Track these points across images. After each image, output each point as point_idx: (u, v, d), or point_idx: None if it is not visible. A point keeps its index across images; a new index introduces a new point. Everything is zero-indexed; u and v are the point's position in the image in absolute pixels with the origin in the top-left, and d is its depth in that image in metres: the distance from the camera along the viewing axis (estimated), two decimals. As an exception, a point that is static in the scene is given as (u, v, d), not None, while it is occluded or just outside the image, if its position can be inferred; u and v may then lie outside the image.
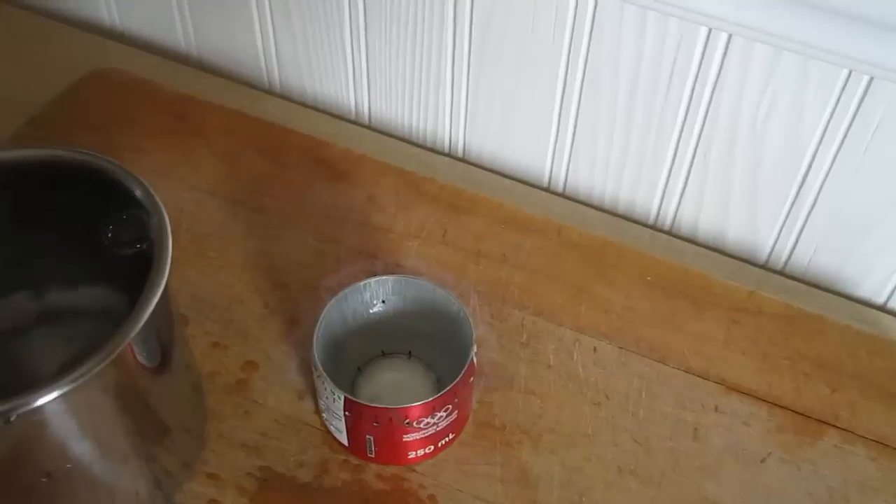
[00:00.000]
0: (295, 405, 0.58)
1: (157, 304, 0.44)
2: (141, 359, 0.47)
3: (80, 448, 0.46)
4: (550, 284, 0.65)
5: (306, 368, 0.59)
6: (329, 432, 0.56)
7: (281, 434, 0.57)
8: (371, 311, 0.57)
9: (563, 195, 0.75)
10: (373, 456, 0.55)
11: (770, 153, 0.64)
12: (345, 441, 0.55)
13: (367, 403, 0.51)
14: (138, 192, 0.48)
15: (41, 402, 0.41)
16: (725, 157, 0.66)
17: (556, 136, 0.70)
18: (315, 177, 0.70)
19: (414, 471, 0.55)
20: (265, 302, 0.63)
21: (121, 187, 0.48)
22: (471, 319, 0.54)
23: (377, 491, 0.55)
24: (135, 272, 0.46)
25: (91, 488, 0.49)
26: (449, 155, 0.77)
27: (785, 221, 0.68)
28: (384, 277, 0.56)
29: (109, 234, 0.49)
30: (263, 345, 0.61)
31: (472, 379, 0.54)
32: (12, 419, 0.41)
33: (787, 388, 0.60)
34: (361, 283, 0.56)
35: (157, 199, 0.47)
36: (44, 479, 0.46)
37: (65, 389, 0.41)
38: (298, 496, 0.54)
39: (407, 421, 0.51)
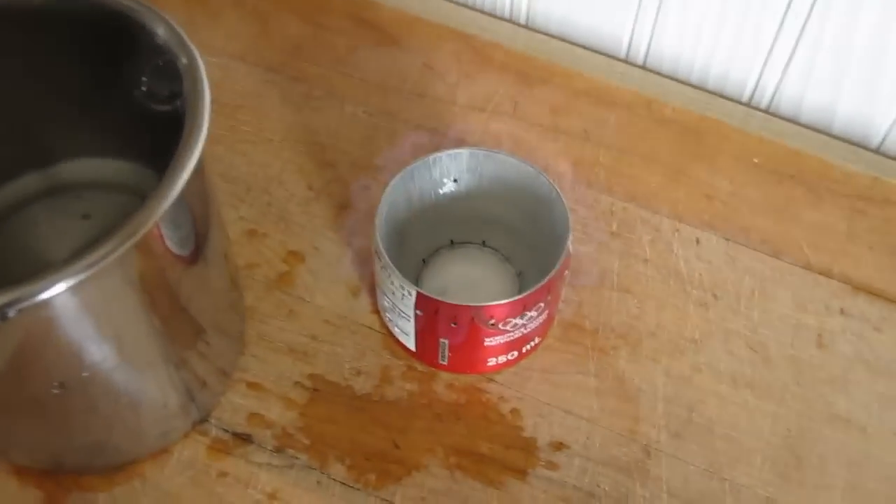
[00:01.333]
0: (349, 303, 0.49)
1: (193, 173, 0.35)
2: (170, 244, 0.37)
3: (98, 352, 0.37)
4: (642, 165, 0.55)
5: (360, 260, 0.50)
6: (391, 335, 0.47)
7: (333, 337, 0.48)
8: (440, 192, 0.48)
9: (643, 67, 0.64)
10: (445, 363, 0.46)
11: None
12: (411, 346, 0.46)
13: (446, 300, 0.42)
14: (161, 32, 0.38)
15: (49, 293, 0.32)
16: (847, 19, 0.55)
17: (643, -6, 0.60)
18: (362, 40, 0.60)
19: (493, 381, 0.47)
20: (309, 183, 0.53)
21: (142, 28, 0.38)
22: (565, 201, 0.45)
23: (449, 403, 0.46)
24: (162, 143, 0.37)
25: (111, 400, 0.40)
26: (511, 21, 0.66)
27: (908, 97, 0.58)
28: (457, 151, 0.47)
29: (143, 87, 0.39)
30: (308, 232, 0.51)
31: (566, 272, 0.45)
32: (10, 315, 0.32)
33: (923, 287, 0.51)
34: (430, 158, 0.46)
35: (186, 38, 0.37)
36: (55, 391, 0.37)
37: (78, 278, 0.32)
38: (355, 409, 0.46)
39: (492, 322, 0.43)
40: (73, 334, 0.35)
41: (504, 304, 0.42)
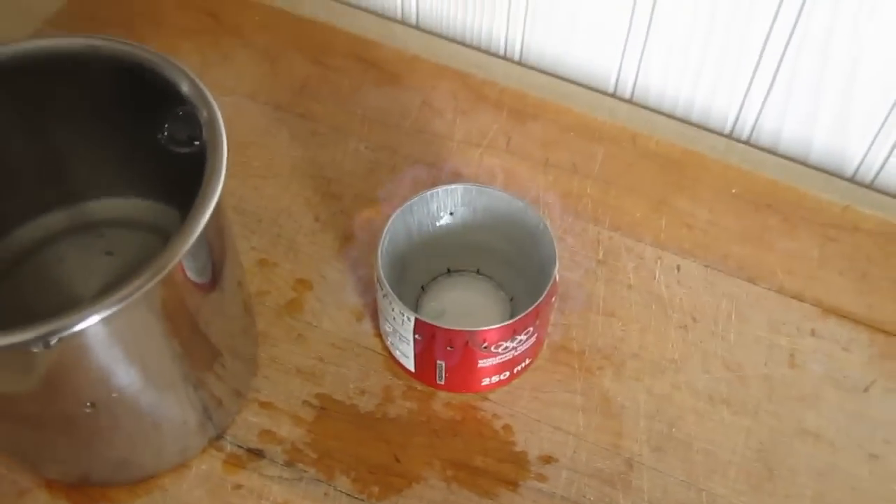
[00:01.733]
0: (353, 328, 0.53)
1: (212, 213, 0.39)
2: (191, 275, 0.41)
3: (126, 375, 0.41)
4: (627, 197, 0.59)
5: (363, 288, 0.54)
6: (393, 357, 0.51)
7: (339, 359, 0.52)
8: (438, 224, 0.52)
9: (630, 101, 0.68)
10: (442, 383, 0.50)
11: (869, 52, 0.57)
12: (411, 367, 0.50)
13: (442, 326, 0.46)
14: (185, 87, 0.42)
15: (84, 325, 0.36)
16: (819, 57, 0.59)
17: (628, 33, 0.64)
18: (364, 80, 0.64)
19: (487, 399, 0.51)
20: (316, 215, 0.57)
21: (166, 82, 0.42)
22: (552, 232, 0.49)
23: (447, 420, 0.50)
24: (178, 182, 0.41)
25: (137, 418, 0.44)
26: (505, 58, 0.70)
27: (880, 130, 0.62)
28: (453, 186, 0.51)
29: (165, 133, 0.43)
30: (316, 262, 0.55)
31: (554, 298, 0.49)
32: (52, 343, 0.35)
33: (889, 310, 0.55)
34: (428, 193, 0.50)
35: (207, 92, 0.41)
36: (87, 409, 0.41)
37: (110, 311, 0.36)
38: (360, 426, 0.50)
39: (485, 345, 0.46)
40: (103, 360, 0.39)
41: (496, 328, 0.46)
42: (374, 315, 0.53)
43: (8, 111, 0.43)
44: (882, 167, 0.64)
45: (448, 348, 0.47)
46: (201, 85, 0.41)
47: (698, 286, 0.55)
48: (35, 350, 0.35)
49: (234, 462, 0.48)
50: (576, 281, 0.55)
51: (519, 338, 0.47)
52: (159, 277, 0.37)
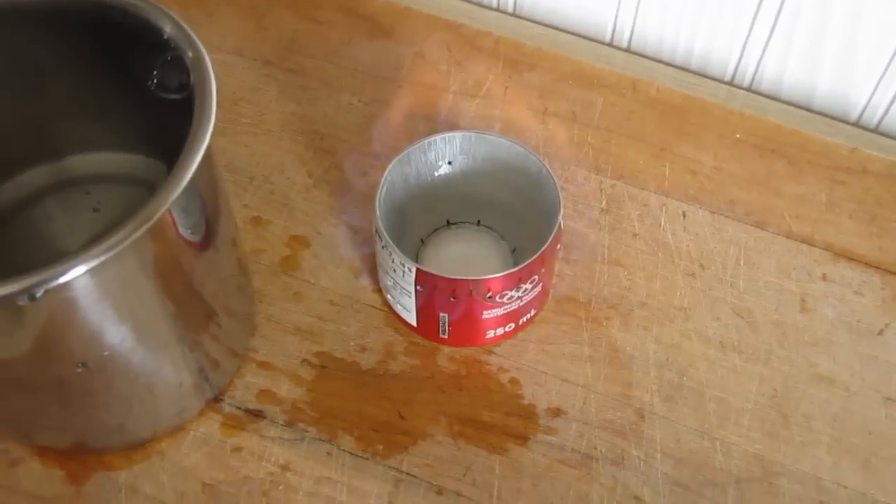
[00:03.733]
0: (351, 284, 0.51)
1: (203, 160, 0.37)
2: (182, 230, 0.39)
3: (118, 332, 0.39)
4: (629, 145, 0.57)
5: (360, 243, 0.53)
6: (394, 312, 0.49)
7: (338, 316, 0.50)
8: (436, 174, 0.50)
9: (628, 50, 0.66)
10: (445, 337, 0.48)
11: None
12: (413, 321, 0.48)
13: (444, 275, 0.44)
14: (169, 29, 0.40)
15: (71, 276, 0.34)
16: (821, 1, 0.57)
17: (625, -21, 0.62)
18: (355, 33, 0.62)
19: (492, 353, 0.49)
20: (309, 171, 0.55)
21: (149, 25, 0.40)
22: (555, 178, 0.47)
23: (451, 375, 0.48)
24: (166, 135, 0.39)
25: (130, 380, 0.42)
26: (498, 9, 0.68)
27: (884, 73, 0.60)
28: (451, 134, 0.49)
29: (154, 81, 0.41)
30: (311, 218, 0.54)
31: (559, 246, 0.47)
32: (38, 295, 0.34)
33: (901, 252, 0.54)
34: (425, 142, 0.49)
35: (192, 33, 0.39)
36: (79, 370, 0.39)
37: (97, 261, 0.34)
38: (362, 384, 0.48)
39: (489, 294, 0.45)
40: (94, 316, 0.37)
41: (500, 276, 0.44)
42: (373, 270, 0.51)
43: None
44: (887, 111, 0.62)
45: (451, 299, 0.45)
46: (185, 25, 0.39)
47: (705, 233, 0.54)
48: (21, 303, 0.33)
49: (232, 424, 0.47)
50: (580, 231, 0.54)
51: (524, 286, 0.45)
52: (147, 226, 0.35)
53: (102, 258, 0.34)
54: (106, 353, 0.40)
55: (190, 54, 0.38)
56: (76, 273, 0.34)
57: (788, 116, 0.61)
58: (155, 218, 0.35)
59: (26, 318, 0.36)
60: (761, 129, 0.59)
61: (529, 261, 0.44)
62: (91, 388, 0.41)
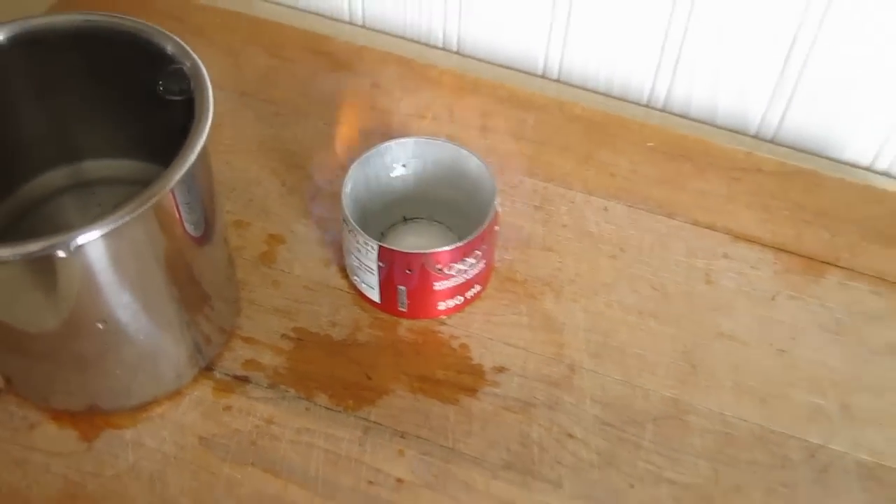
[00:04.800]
0: (322, 272, 0.60)
1: (201, 151, 0.45)
2: (188, 227, 0.48)
3: (131, 297, 0.47)
4: (558, 154, 0.67)
5: (330, 241, 0.61)
6: (359, 292, 0.58)
7: (311, 298, 0.58)
8: (392, 176, 0.59)
9: (557, 81, 0.76)
10: (404, 310, 0.56)
11: (757, 23, 0.66)
12: (376, 297, 0.57)
13: (401, 250, 0.53)
14: (170, 47, 0.49)
15: (105, 229, 0.42)
16: (714, 30, 0.68)
17: (552, 23, 0.72)
18: (319, 68, 0.71)
19: (444, 323, 0.57)
20: (282, 181, 0.64)
21: (154, 45, 0.49)
22: (492, 174, 0.56)
23: (410, 343, 0.57)
24: (166, 146, 0.47)
25: (139, 344, 0.50)
26: (444, 48, 0.78)
27: (774, 91, 0.70)
28: (404, 139, 0.58)
29: (161, 87, 0.49)
30: (285, 220, 0.62)
31: (497, 227, 0.56)
32: (73, 248, 0.41)
33: (789, 234, 0.63)
34: (382, 146, 0.58)
35: (189, 49, 0.48)
36: (100, 325, 0.47)
37: (111, 227, 0.42)
38: (333, 352, 0.56)
39: (438, 266, 0.53)
40: (112, 277, 0.45)
41: (447, 250, 0.53)
42: (341, 261, 0.59)
43: (20, 78, 0.50)
44: (779, 125, 0.73)
45: (407, 272, 0.54)
46: (183, 43, 0.48)
47: (624, 223, 0.63)
48: (61, 255, 0.41)
49: (223, 388, 0.54)
50: (517, 224, 0.63)
51: (469, 261, 0.54)
52: (153, 201, 0.43)
53: (114, 224, 0.42)
54: (121, 315, 0.47)
55: (188, 65, 0.47)
56: (92, 236, 0.42)
57: (695, 130, 0.71)
58: (161, 193, 0.44)
59: (61, 273, 0.43)
60: (671, 138, 0.69)
61: (472, 237, 0.53)
62: (106, 348, 0.49)
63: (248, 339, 0.56)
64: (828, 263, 0.62)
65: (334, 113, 0.68)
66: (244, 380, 0.55)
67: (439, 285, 0.55)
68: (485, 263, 0.56)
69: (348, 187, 0.56)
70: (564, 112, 0.70)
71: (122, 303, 0.47)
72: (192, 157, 0.44)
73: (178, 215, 0.46)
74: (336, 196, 0.56)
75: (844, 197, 0.66)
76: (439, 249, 0.53)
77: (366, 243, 0.53)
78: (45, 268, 0.43)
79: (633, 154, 0.67)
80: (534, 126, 0.69)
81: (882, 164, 0.71)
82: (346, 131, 0.66)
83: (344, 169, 0.57)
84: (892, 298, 0.60)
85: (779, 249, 0.62)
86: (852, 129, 0.70)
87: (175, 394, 0.54)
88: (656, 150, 0.68)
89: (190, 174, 0.45)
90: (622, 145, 0.68)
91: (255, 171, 0.65)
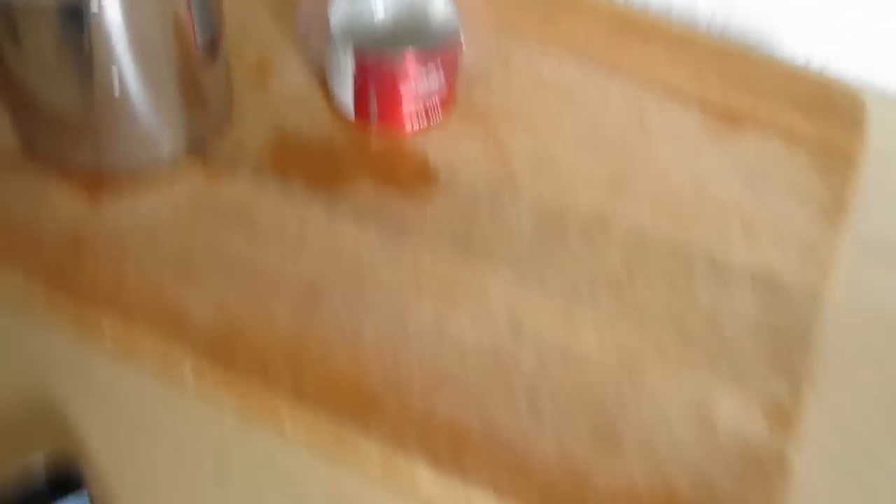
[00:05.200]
0: (306, 91, 0.68)
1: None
2: (199, 41, 0.58)
3: (141, 63, 0.56)
4: (522, 14, 0.76)
5: (315, 71, 0.70)
6: (335, 105, 0.66)
7: (295, 111, 0.67)
8: (375, 20, 0.67)
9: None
10: (375, 121, 0.65)
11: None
12: (351, 112, 0.65)
13: (372, 52, 0.61)
14: None
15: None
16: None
17: None
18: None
19: (409, 141, 0.66)
20: (275, 9, 0.73)
21: None
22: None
23: (379, 151, 0.65)
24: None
25: (143, 111, 0.59)
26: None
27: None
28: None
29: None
30: (277, 42, 0.71)
31: (460, 56, 0.65)
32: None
33: (717, 94, 0.72)
34: (365, -18, 0.66)
35: None
36: (116, 83, 0.56)
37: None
38: (312, 152, 0.65)
39: (405, 72, 0.62)
40: (132, 32, 0.54)
41: (412, 53, 0.61)
42: (324, 84, 0.68)
43: None
44: (724, 26, 0.81)
45: (377, 76, 0.62)
46: None
47: (574, 75, 0.72)
48: (94, 10, 0.50)
49: (212, 171, 0.63)
50: (479, 66, 0.71)
51: (432, 75, 0.63)
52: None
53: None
54: (130, 78, 0.56)
55: None
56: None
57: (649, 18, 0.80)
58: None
59: (89, 26, 0.52)
60: (626, 16, 0.77)
61: (434, 48, 0.62)
62: (116, 107, 0.57)
63: (236, 136, 0.65)
64: (747, 118, 0.71)
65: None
66: (230, 163, 0.63)
67: (407, 93, 0.63)
68: (447, 82, 0.65)
69: (335, 16, 0.64)
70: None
71: (132, 66, 0.55)
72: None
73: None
74: (323, 22, 0.64)
75: (770, 74, 0.75)
76: (406, 52, 0.61)
77: (345, 52, 0.62)
78: (76, 23, 0.52)
79: (590, 23, 0.76)
80: (504, -5, 0.78)
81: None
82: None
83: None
84: (798, 151, 0.69)
85: (706, 103, 0.71)
86: (788, 31, 0.79)
87: (171, 169, 0.63)
88: (612, 23, 0.77)
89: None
90: (582, 17, 0.77)
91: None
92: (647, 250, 0.62)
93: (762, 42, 0.81)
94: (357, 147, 0.65)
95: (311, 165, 0.64)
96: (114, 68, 0.56)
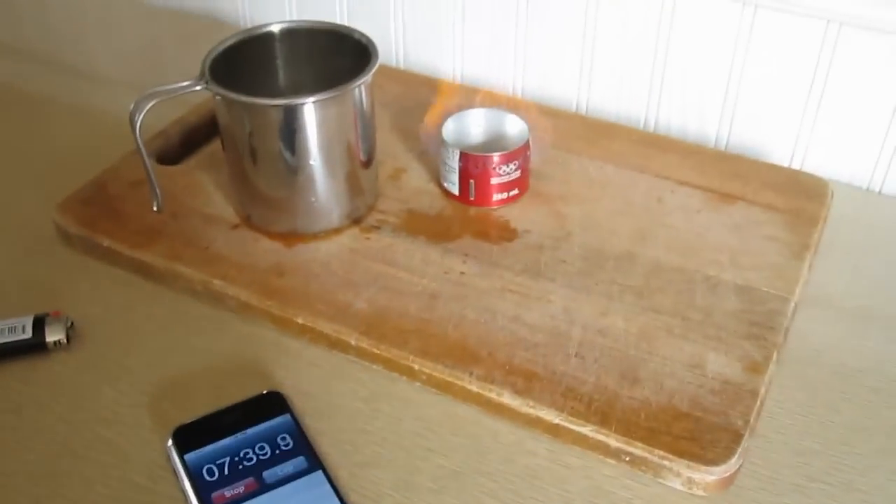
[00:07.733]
0: (425, 184, 1.01)
1: (369, 82, 0.89)
2: (361, 155, 0.91)
3: (329, 150, 0.89)
4: (574, 136, 1.08)
5: (431, 173, 1.02)
6: (446, 190, 0.98)
7: (418, 196, 0.99)
8: (469, 140, 1.01)
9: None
10: (473, 199, 0.97)
11: (708, 67, 1.08)
12: (455, 191, 0.97)
13: (472, 153, 0.94)
14: (356, 36, 0.93)
15: (328, 96, 0.85)
16: (681, 70, 1.10)
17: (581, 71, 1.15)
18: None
19: (496, 210, 0.97)
20: (401, 133, 1.07)
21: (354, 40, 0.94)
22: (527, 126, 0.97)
23: (474, 215, 0.96)
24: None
25: (326, 186, 0.91)
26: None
27: (722, 112, 1.11)
28: (478, 110, 1.00)
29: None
30: (405, 157, 1.04)
31: (529, 152, 0.97)
32: (311, 102, 0.85)
33: (716, 184, 1.01)
34: (463, 112, 1.00)
35: (372, 40, 0.93)
36: (312, 162, 0.89)
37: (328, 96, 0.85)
38: (430, 220, 0.96)
39: (493, 165, 0.94)
40: (322, 133, 0.88)
41: (498, 154, 0.93)
42: (437, 179, 1.00)
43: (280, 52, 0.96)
44: (727, 140, 1.12)
45: (475, 168, 0.94)
46: (369, 36, 0.93)
47: (610, 174, 1.03)
48: (305, 108, 0.84)
49: (365, 229, 0.95)
50: (541, 167, 1.03)
51: (512, 165, 0.94)
52: (361, 81, 0.86)
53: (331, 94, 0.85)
54: (323, 160, 0.89)
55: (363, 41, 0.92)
56: (323, 96, 0.85)
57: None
58: (361, 81, 0.87)
59: (300, 120, 0.86)
60: (651, 138, 1.09)
61: (513, 150, 0.94)
62: (310, 183, 0.90)
63: (380, 211, 0.97)
64: (737, 198, 0.99)
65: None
66: (377, 227, 0.95)
67: (495, 179, 0.95)
68: (521, 172, 0.96)
69: (447, 132, 0.98)
70: (585, 119, 1.11)
71: (321, 166, 0.89)
72: (370, 74, 0.88)
73: (360, 107, 0.89)
74: (439, 138, 0.98)
75: (756, 169, 1.04)
76: (494, 154, 0.93)
77: (453, 152, 0.95)
78: (290, 115, 0.86)
79: (623, 142, 1.08)
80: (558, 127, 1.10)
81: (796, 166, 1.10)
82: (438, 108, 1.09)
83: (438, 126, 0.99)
84: (774, 216, 0.97)
85: (708, 190, 1.00)
86: (774, 143, 1.09)
87: (337, 229, 0.94)
88: (639, 141, 1.08)
89: (364, 87, 0.88)
90: (617, 139, 1.08)
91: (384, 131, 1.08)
92: (660, 272, 0.90)
93: (755, 151, 1.11)
94: (460, 215, 0.96)
95: (429, 227, 0.95)
96: (311, 164, 0.89)
